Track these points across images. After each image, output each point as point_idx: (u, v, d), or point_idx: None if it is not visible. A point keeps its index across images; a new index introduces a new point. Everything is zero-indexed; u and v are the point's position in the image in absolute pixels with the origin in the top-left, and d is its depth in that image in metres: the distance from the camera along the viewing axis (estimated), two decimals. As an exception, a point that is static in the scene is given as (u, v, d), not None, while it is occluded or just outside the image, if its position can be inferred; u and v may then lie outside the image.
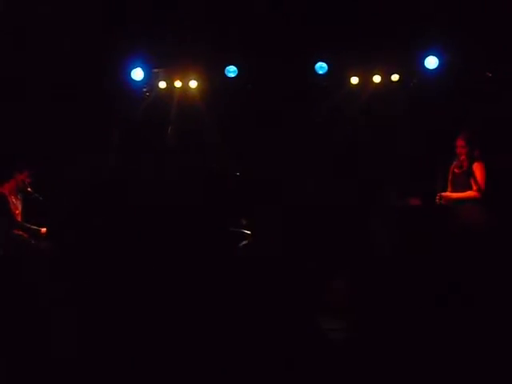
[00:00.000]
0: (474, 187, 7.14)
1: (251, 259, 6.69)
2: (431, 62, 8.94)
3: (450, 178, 7.44)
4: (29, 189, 7.75)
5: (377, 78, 9.23)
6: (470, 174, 7.21)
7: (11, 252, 7.35)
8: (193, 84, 9.37)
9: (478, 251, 6.42)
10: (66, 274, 7.03)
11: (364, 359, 5.10)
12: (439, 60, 8.91)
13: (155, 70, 9.37)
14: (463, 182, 7.26)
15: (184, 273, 6.80)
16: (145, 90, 9.49)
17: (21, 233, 7.62)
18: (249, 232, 7.69)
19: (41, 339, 5.56)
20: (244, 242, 6.90)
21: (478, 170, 7.19)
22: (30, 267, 7.09)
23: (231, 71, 9.22)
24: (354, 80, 9.27)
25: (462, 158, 7.26)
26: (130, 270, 6.87)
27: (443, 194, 7.34)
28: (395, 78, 9.21)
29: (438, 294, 5.90)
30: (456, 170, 7.40)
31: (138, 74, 9.19)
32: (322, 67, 9.15)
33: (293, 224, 7.54)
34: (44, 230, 7.72)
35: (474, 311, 5.54)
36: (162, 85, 9.43)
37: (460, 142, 7.27)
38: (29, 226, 7.69)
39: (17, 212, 7.64)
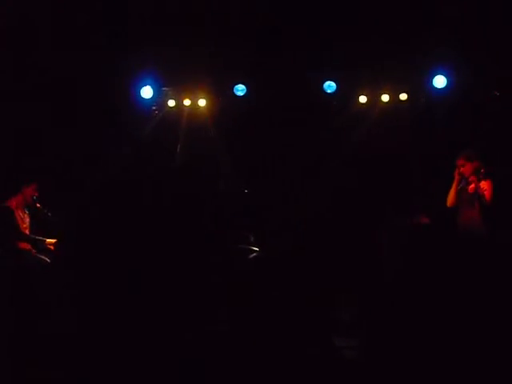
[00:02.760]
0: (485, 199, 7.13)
1: (261, 276, 6.69)
2: (439, 81, 8.97)
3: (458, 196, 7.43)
4: (38, 204, 7.74)
5: (385, 97, 9.26)
6: (476, 191, 7.18)
7: (17, 264, 7.34)
8: (202, 102, 9.43)
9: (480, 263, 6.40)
10: (71, 287, 7.05)
11: (376, 376, 5.07)
12: (447, 79, 8.93)
13: (164, 89, 9.42)
14: (471, 199, 7.24)
15: (192, 289, 6.80)
16: (154, 108, 9.54)
17: (27, 248, 7.61)
18: (257, 249, 7.70)
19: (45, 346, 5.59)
20: (253, 255, 6.93)
21: (486, 186, 7.17)
22: (36, 279, 7.11)
23: (240, 90, 9.27)
24: (363, 99, 9.30)
25: (467, 175, 7.26)
26: (137, 284, 6.87)
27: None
28: (403, 97, 9.24)
29: (446, 310, 5.87)
30: (463, 188, 7.38)
31: (147, 92, 9.25)
32: (330, 86, 9.19)
33: (302, 240, 7.54)
34: (51, 240, 7.70)
35: (484, 326, 5.51)
36: (171, 103, 9.48)
37: (460, 162, 7.29)
38: (35, 237, 7.69)
39: (24, 226, 7.63)
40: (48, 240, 7.71)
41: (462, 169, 7.29)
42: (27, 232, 7.69)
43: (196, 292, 6.74)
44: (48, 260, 7.54)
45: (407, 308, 6.14)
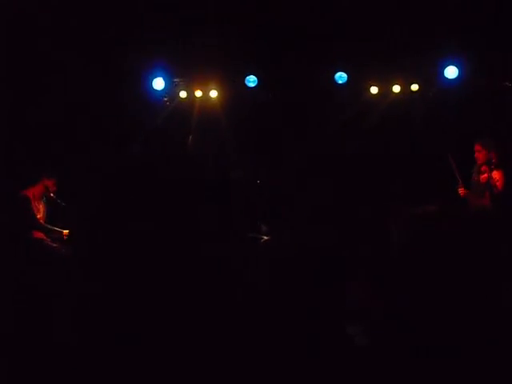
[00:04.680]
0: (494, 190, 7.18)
1: (272, 264, 6.74)
2: (451, 72, 8.96)
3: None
4: (51, 194, 7.84)
5: (396, 88, 9.25)
6: (488, 181, 7.24)
7: (30, 254, 7.42)
8: (213, 94, 9.44)
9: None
10: (85, 277, 7.12)
11: (385, 363, 5.10)
12: (459, 70, 8.92)
13: (176, 80, 9.45)
14: (482, 189, 7.29)
15: (203, 277, 6.84)
16: (165, 99, 9.56)
17: (41, 236, 7.69)
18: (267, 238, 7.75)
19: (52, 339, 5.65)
20: (265, 238, 6.99)
21: (498, 176, 7.22)
22: (49, 269, 7.18)
23: (251, 81, 9.29)
24: (374, 90, 9.29)
25: (479, 162, 7.33)
26: (149, 273, 6.93)
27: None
28: (415, 87, 9.22)
29: (455, 297, 5.91)
30: (475, 178, 7.44)
31: (158, 83, 9.29)
32: (341, 77, 9.19)
33: (312, 228, 7.58)
34: (66, 231, 7.79)
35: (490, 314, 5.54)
36: (183, 94, 9.50)
37: (477, 147, 7.36)
38: (50, 227, 7.77)
39: (38, 216, 7.72)
40: (64, 231, 7.80)
41: (476, 154, 7.38)
42: (42, 222, 7.77)
43: (205, 280, 6.80)
44: (62, 249, 7.63)
45: (416, 294, 6.18)
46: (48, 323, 6.04)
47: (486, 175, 7.30)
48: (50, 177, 7.83)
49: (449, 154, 7.67)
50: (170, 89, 9.48)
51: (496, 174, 7.23)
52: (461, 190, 7.43)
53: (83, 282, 7.14)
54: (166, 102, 9.58)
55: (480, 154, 7.35)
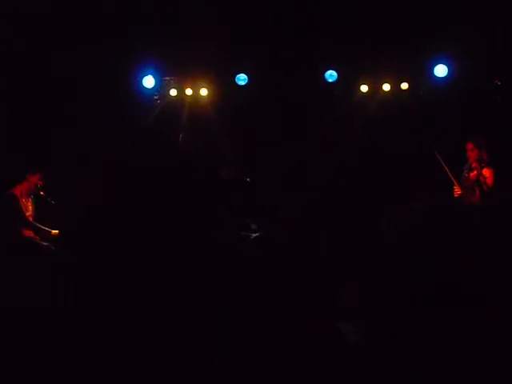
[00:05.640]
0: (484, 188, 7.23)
1: (265, 262, 6.75)
2: (441, 71, 9.01)
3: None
4: (41, 192, 7.78)
5: (386, 87, 9.28)
6: (478, 178, 7.30)
7: (20, 253, 7.38)
8: (203, 92, 9.45)
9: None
10: (76, 276, 7.10)
11: (377, 361, 5.13)
12: (448, 68, 8.97)
13: (166, 78, 9.44)
14: (472, 186, 7.35)
15: (196, 276, 6.85)
16: (156, 97, 9.55)
17: (32, 235, 7.64)
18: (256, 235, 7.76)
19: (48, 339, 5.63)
20: (255, 235, 6.99)
21: (487, 174, 7.28)
22: (39, 268, 7.15)
23: (241, 79, 9.30)
24: (364, 88, 9.32)
25: (471, 160, 7.39)
26: (141, 273, 6.93)
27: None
28: (405, 86, 9.26)
29: (448, 294, 5.94)
30: (465, 174, 7.51)
31: (149, 81, 9.28)
32: (332, 75, 9.22)
33: (304, 227, 7.59)
34: (55, 232, 7.73)
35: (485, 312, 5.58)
36: (173, 93, 9.51)
37: (469, 146, 7.42)
38: (39, 226, 7.70)
39: (27, 214, 7.65)
40: (53, 231, 7.74)
41: (469, 152, 7.44)
42: (31, 220, 7.72)
43: (198, 278, 6.80)
44: (52, 247, 7.59)
45: (407, 293, 6.22)
46: (39, 322, 6.03)
47: (475, 172, 7.36)
48: (34, 172, 7.74)
49: (436, 152, 7.71)
50: (161, 87, 9.48)
51: (486, 172, 7.30)
52: (456, 192, 7.45)
53: (73, 282, 7.14)
54: (157, 100, 9.57)
55: (472, 153, 7.42)
